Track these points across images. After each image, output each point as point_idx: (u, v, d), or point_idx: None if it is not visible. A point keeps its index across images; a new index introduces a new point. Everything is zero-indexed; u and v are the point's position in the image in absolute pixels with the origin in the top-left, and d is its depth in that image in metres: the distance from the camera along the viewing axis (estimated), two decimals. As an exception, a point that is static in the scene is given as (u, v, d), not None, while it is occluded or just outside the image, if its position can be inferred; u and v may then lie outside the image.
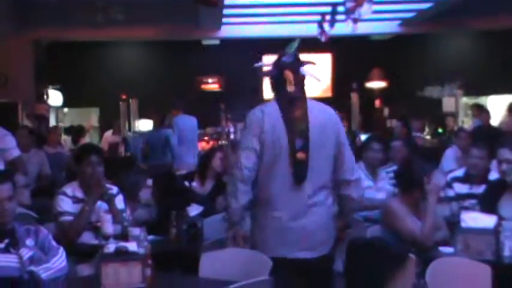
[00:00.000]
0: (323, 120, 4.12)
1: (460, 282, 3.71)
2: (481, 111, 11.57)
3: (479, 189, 5.87)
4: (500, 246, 4.04)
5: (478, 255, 4.00)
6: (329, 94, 15.84)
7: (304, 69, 4.23)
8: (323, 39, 11.76)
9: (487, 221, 4.19)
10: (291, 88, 4.14)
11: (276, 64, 4.25)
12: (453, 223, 4.74)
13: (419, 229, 4.46)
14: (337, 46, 13.97)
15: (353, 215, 4.71)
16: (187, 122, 10.79)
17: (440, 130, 13.80)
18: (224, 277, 3.79)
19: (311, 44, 14.06)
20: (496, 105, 13.55)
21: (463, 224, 4.23)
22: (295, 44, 4.27)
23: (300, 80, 4.21)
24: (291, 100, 4.11)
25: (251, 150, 4.07)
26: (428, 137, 13.68)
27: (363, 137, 13.13)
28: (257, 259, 3.93)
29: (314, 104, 4.19)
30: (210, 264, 4.06)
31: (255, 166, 4.06)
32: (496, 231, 4.07)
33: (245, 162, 4.05)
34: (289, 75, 4.17)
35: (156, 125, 10.84)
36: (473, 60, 15.20)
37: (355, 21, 9.57)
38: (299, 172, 4.02)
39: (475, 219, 4.23)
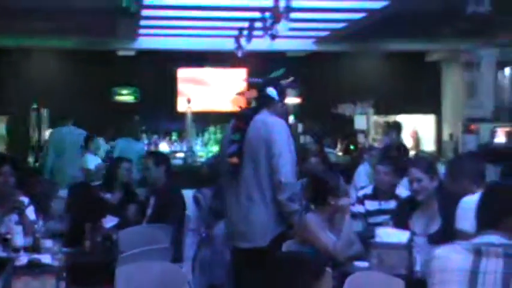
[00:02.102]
0: (259, 132, 4.89)
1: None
2: (391, 129, 11.85)
3: (389, 204, 6.03)
4: (412, 261, 4.15)
5: (391, 269, 4.10)
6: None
7: (270, 90, 5.16)
8: (240, 54, 11.83)
9: (400, 236, 4.30)
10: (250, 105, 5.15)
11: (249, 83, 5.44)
12: (366, 238, 4.85)
13: (332, 244, 4.54)
14: (253, 61, 14.06)
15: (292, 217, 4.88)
16: (66, 134, 10.51)
17: (352, 147, 14.05)
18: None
19: (227, 59, 14.19)
20: (404, 124, 13.88)
21: (377, 239, 4.34)
22: (280, 72, 5.36)
23: (262, 98, 5.13)
24: (239, 114, 5.10)
25: None
26: (340, 154, 13.95)
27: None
28: (174, 271, 3.91)
29: (262, 118, 4.99)
30: (126, 277, 4.01)
31: None
32: (408, 247, 4.17)
33: None
34: (253, 93, 5.18)
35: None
36: (384, 80, 15.59)
37: (273, 37, 9.65)
38: (232, 174, 4.92)
39: (389, 235, 4.33)
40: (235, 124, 5.04)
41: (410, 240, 4.25)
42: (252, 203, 4.86)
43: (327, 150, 12.70)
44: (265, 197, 4.84)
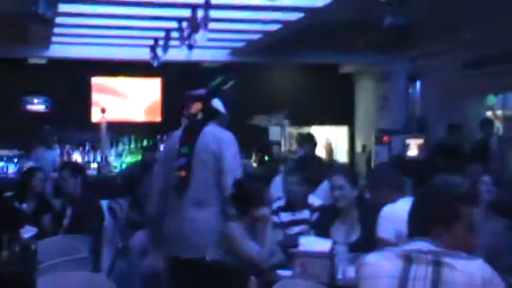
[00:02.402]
0: (208, 146, 4.96)
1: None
2: (305, 141, 12.00)
3: (302, 214, 6.11)
4: (334, 269, 4.22)
5: (314, 277, 4.16)
6: (158, 119, 15.84)
7: (215, 101, 5.21)
8: (155, 64, 11.79)
9: (322, 245, 4.37)
10: (197, 117, 5.13)
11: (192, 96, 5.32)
12: (287, 247, 4.90)
13: (256, 253, 4.56)
14: (167, 71, 14.02)
15: None
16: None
17: (266, 158, 14.14)
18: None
19: (140, 69, 14.09)
20: (318, 136, 14.10)
21: (300, 248, 4.39)
22: (219, 80, 5.35)
23: (207, 110, 5.19)
24: (186, 127, 5.14)
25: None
26: (255, 165, 14.01)
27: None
28: (97, 282, 3.86)
29: (211, 131, 5.06)
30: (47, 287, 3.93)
31: None
32: (330, 255, 4.25)
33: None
34: (197, 106, 5.19)
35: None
36: (298, 91, 15.79)
37: (191, 47, 9.67)
38: (178, 187, 4.94)
39: (312, 243, 4.40)
40: (184, 137, 5.03)
41: (332, 248, 4.32)
42: (200, 214, 4.90)
43: (243, 161, 12.73)
44: (213, 208, 4.91)
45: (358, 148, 15.39)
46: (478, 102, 12.09)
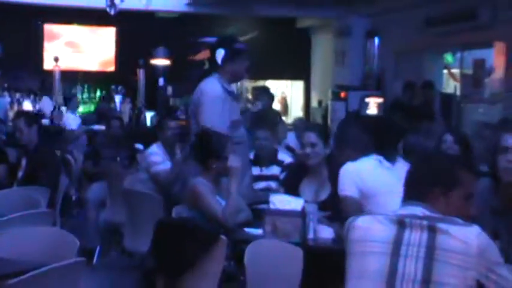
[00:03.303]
0: (194, 97, 5.12)
1: (275, 264, 3.71)
2: (263, 94, 11.85)
3: (270, 170, 6.00)
4: (306, 228, 4.10)
5: (285, 237, 4.04)
6: (112, 69, 15.48)
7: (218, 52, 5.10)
8: (112, 12, 11.41)
9: (294, 203, 4.25)
10: (203, 65, 5.18)
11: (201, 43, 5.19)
12: (253, 204, 4.78)
13: (221, 209, 4.41)
14: (122, 21, 13.63)
15: None
16: None
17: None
18: (24, 258, 3.49)
19: (94, 17, 13.67)
20: (273, 90, 13.96)
21: (271, 206, 4.26)
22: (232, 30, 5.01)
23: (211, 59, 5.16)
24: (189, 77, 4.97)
25: None
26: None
27: (149, 114, 13.00)
28: (62, 239, 3.66)
29: (205, 81, 5.12)
30: (8, 243, 3.72)
31: None
32: (303, 214, 4.12)
33: None
34: (205, 53, 5.11)
35: None
36: (254, 45, 15.51)
37: (150, -4, 9.36)
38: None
39: (283, 202, 4.27)
40: (187, 86, 5.09)
41: (304, 207, 4.20)
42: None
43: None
44: None
45: (314, 103, 15.29)
46: (436, 60, 12.05)
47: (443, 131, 7.13)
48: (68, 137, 9.86)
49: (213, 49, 5.17)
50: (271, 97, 11.47)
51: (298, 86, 16.00)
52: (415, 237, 2.43)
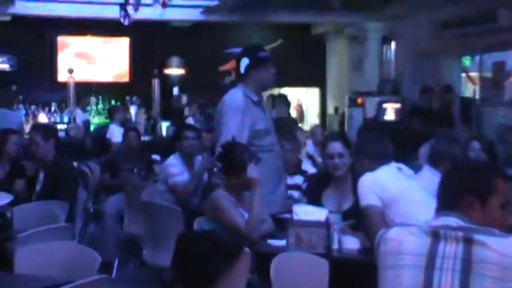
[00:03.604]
0: (218, 107, 5.15)
1: (301, 276, 3.65)
2: (279, 102, 11.81)
3: (293, 179, 5.95)
4: (330, 239, 4.04)
5: (310, 248, 3.98)
6: (126, 79, 15.47)
7: (243, 61, 5.10)
8: (126, 22, 11.42)
9: (318, 214, 4.18)
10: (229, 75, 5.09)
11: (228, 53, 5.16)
12: (276, 214, 4.73)
13: (244, 221, 4.36)
14: (136, 31, 13.65)
15: None
16: None
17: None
18: (45, 273, 3.45)
19: (108, 27, 13.69)
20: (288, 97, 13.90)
21: (295, 217, 4.20)
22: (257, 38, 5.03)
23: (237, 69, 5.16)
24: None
25: None
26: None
27: (164, 124, 12.98)
28: (83, 254, 3.62)
29: (229, 91, 5.14)
30: (28, 257, 3.67)
31: None
32: (327, 225, 4.06)
33: None
34: (231, 64, 5.05)
35: None
36: (271, 52, 15.50)
37: (164, 5, 9.35)
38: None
39: (307, 212, 4.21)
40: (211, 98, 5.07)
41: (328, 218, 4.14)
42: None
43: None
44: None
45: (330, 110, 15.23)
46: (454, 63, 11.96)
47: (468, 138, 7.10)
48: (114, 149, 9.83)
49: (238, 59, 5.17)
50: (287, 104, 11.41)
51: (314, 92, 15.94)
52: (450, 249, 2.36)
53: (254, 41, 5.19)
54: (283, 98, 11.67)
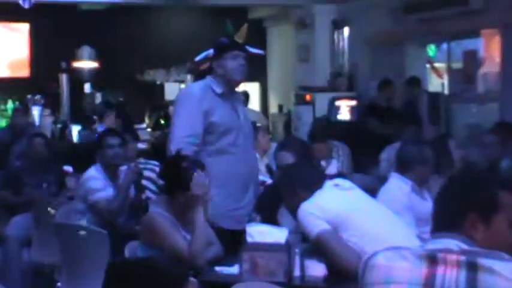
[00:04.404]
0: None
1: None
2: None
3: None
4: (292, 265, 4.04)
5: (268, 276, 3.96)
6: (26, 74, 15.21)
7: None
8: (26, 5, 11.25)
9: (277, 235, 4.18)
10: None
11: None
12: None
13: (186, 246, 4.34)
14: (38, 15, 13.45)
15: None
16: None
17: (163, 121, 13.87)
18: None
19: (3, 10, 13.43)
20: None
21: (249, 239, 4.18)
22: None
23: None
24: None
25: None
26: (149, 130, 13.72)
27: (75, 128, 12.80)
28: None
29: None
30: None
31: None
32: (288, 247, 4.06)
33: None
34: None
35: None
36: (202, 40, 15.47)
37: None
38: None
39: (263, 233, 4.20)
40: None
41: (288, 240, 4.14)
42: None
43: (136, 126, 12.47)
44: None
45: (274, 109, 15.27)
46: (418, 53, 12.13)
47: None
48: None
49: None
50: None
51: (253, 88, 15.93)
52: (451, 277, 2.35)
53: (227, 30, 5.36)
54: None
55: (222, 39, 5.50)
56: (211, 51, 5.44)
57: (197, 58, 5.66)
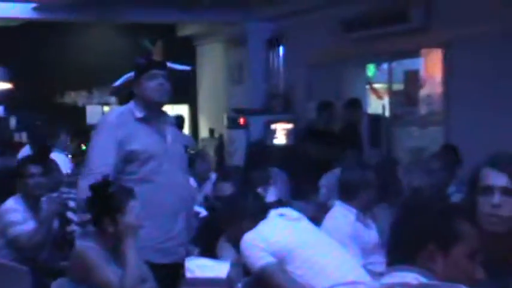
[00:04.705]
0: None
1: None
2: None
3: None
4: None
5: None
6: None
7: None
8: None
9: (218, 269, 4.18)
10: None
11: None
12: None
13: (117, 281, 4.31)
14: None
15: None
16: None
17: (84, 148, 13.73)
18: None
19: None
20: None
21: (188, 274, 4.17)
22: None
23: None
24: None
25: None
26: (70, 156, 13.56)
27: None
28: None
29: None
30: None
31: None
32: (230, 282, 4.06)
33: None
34: None
35: None
36: (127, 59, 15.41)
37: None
38: None
39: (202, 267, 4.20)
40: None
41: (230, 274, 4.15)
42: None
43: (56, 153, 12.31)
44: None
45: (204, 133, 15.28)
46: (357, 73, 12.27)
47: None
48: None
49: None
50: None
51: (182, 111, 15.94)
52: None
53: (143, 48, 5.36)
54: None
55: (138, 59, 5.43)
56: (131, 74, 5.34)
57: (117, 83, 5.53)
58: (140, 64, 5.29)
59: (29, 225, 6.15)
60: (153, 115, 5.25)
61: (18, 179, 6.38)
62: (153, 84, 5.18)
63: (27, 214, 6.24)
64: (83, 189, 4.83)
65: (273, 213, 4.54)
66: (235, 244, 4.39)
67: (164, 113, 5.42)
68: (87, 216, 4.63)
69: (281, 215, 4.54)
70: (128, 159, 5.08)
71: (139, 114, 5.19)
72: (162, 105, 5.33)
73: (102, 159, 5.04)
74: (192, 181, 7.47)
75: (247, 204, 4.61)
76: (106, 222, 4.44)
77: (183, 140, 5.91)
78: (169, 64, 5.42)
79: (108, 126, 5.16)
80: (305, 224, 4.61)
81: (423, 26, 10.17)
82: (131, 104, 5.25)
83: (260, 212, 4.54)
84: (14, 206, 6.27)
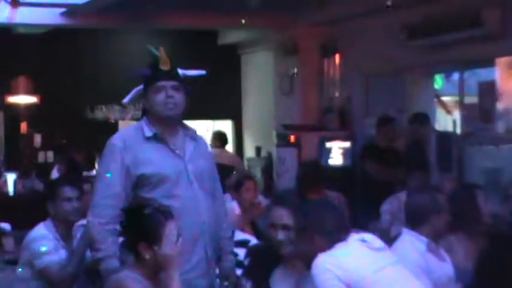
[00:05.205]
0: None
1: None
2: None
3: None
4: None
5: None
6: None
7: None
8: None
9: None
10: None
11: None
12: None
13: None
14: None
15: None
16: None
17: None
18: None
19: None
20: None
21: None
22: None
23: None
24: None
25: None
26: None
27: (10, 177, 12.77)
28: None
29: None
30: None
31: None
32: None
33: None
34: None
35: None
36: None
37: (15, 4, 9.31)
38: None
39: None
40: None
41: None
42: None
43: (87, 173, 12.46)
44: None
45: (250, 152, 15.29)
46: (423, 85, 12.21)
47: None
48: None
49: None
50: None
51: (225, 127, 15.98)
52: None
53: (151, 57, 5.21)
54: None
55: (143, 70, 5.34)
56: (141, 87, 5.27)
57: (126, 99, 5.43)
58: (145, 76, 5.24)
59: (60, 255, 6.17)
60: (166, 131, 5.14)
61: (50, 203, 6.40)
62: (161, 98, 5.07)
63: (58, 242, 6.27)
64: (93, 224, 4.95)
65: (354, 237, 4.55)
66: (305, 261, 4.41)
67: (183, 127, 5.25)
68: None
69: (363, 240, 4.54)
70: (139, 184, 5.02)
71: (148, 132, 5.10)
72: (174, 120, 5.17)
73: (108, 190, 4.98)
74: (235, 204, 7.50)
75: (325, 219, 4.62)
76: (143, 249, 4.46)
77: (225, 160, 5.89)
78: (181, 71, 5.28)
79: (114, 150, 5.07)
80: (387, 255, 4.63)
81: (499, 31, 10.10)
82: (143, 121, 5.17)
83: (339, 231, 4.56)
84: (43, 233, 6.29)
